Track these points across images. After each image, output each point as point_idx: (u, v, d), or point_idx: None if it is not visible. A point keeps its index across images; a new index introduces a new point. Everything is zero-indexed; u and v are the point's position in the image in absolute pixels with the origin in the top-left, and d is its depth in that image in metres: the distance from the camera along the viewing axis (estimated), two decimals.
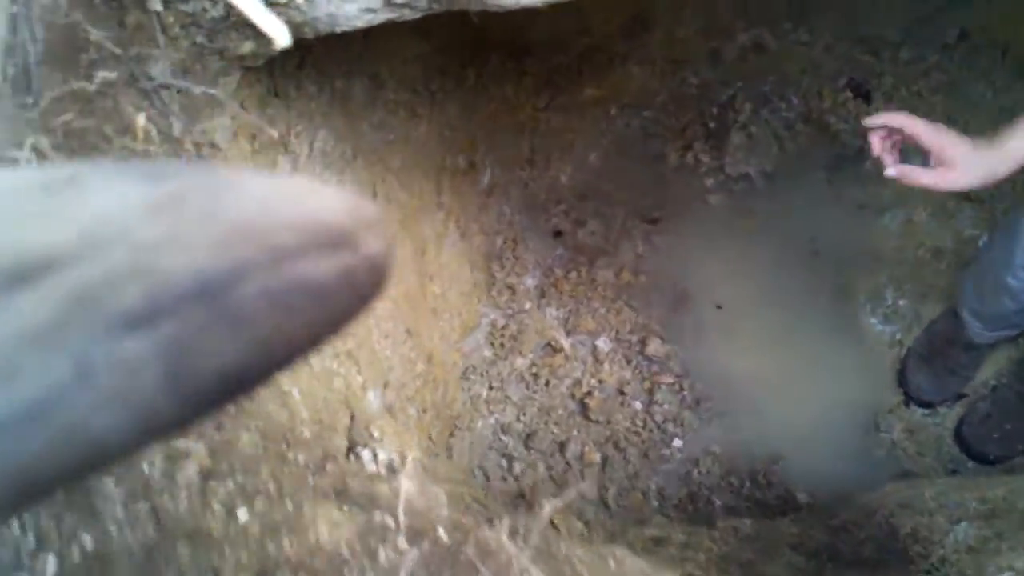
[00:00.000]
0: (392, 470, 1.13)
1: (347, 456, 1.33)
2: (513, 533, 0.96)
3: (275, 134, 1.57)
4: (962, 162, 1.33)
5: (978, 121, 2.35)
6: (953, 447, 2.11)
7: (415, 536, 0.90)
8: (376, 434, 1.26)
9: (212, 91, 1.11)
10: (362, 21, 1.14)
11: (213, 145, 1.15)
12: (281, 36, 1.00)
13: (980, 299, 1.94)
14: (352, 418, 1.43)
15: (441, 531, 0.92)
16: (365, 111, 1.98)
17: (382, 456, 1.16)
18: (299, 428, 1.04)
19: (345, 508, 0.91)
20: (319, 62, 1.73)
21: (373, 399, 1.71)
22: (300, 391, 1.35)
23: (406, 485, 1.07)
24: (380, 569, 0.84)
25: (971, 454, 2.09)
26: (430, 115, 2.16)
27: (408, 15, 1.16)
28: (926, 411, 2.15)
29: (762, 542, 1.75)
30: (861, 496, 1.91)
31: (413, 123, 2.13)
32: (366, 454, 1.15)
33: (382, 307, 1.87)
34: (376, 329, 1.84)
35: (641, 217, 2.29)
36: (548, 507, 1.31)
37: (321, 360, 1.49)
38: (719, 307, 2.20)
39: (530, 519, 1.00)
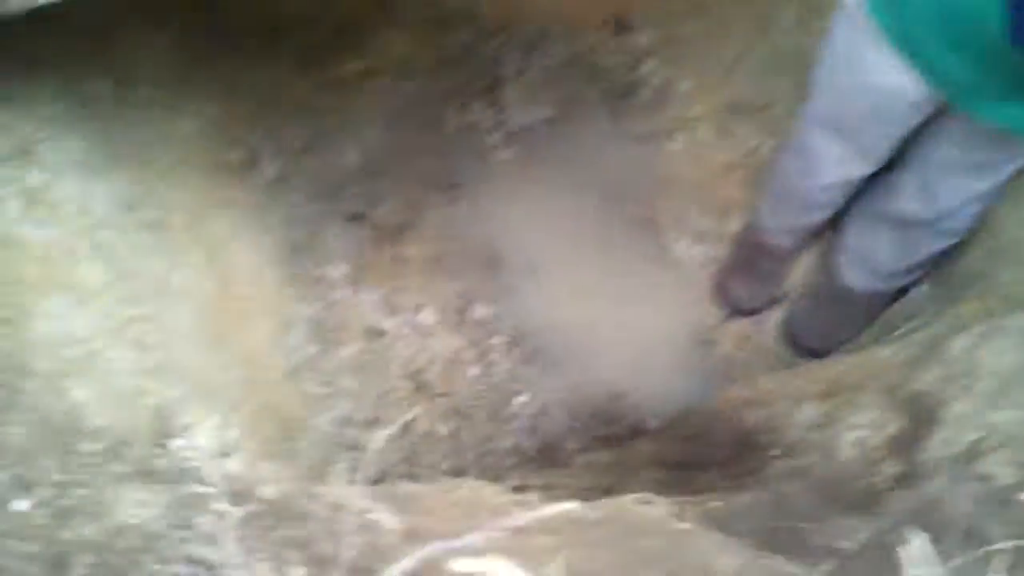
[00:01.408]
0: (214, 455, 1.00)
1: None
2: (348, 480, 0.88)
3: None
4: None
5: None
6: (782, 349, 2.16)
7: (238, 499, 0.80)
8: (190, 421, 1.11)
9: None
10: None
11: None
12: None
13: (787, 215, 1.97)
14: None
15: (268, 490, 0.82)
16: (116, 111, 1.80)
17: (202, 442, 1.02)
18: (90, 419, 0.90)
19: (154, 486, 0.79)
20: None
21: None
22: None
23: (230, 462, 0.94)
24: (202, 536, 0.73)
25: (799, 351, 2.14)
26: (192, 110, 2.00)
27: None
28: (750, 320, 2.19)
29: (621, 467, 1.73)
30: (706, 406, 1.92)
31: (174, 119, 1.96)
32: (180, 443, 1.02)
33: (185, 319, 1.71)
34: (183, 341, 1.68)
35: (436, 186, 2.22)
36: (378, 439, 1.22)
37: (124, 380, 1.33)
38: (532, 261, 2.16)
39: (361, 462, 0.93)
